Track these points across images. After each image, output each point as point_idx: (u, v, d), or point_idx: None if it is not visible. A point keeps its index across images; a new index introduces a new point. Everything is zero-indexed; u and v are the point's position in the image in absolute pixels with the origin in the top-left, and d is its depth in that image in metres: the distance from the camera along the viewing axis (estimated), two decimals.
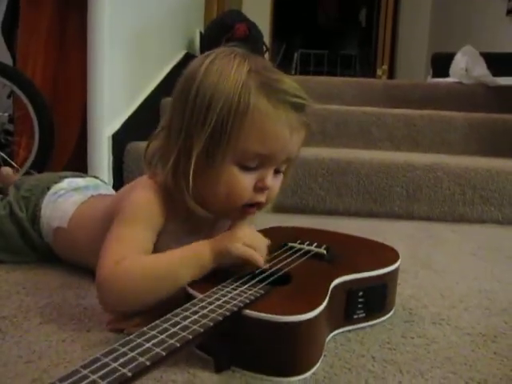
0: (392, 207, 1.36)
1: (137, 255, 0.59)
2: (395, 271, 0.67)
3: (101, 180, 1.00)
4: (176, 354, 0.42)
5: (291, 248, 0.69)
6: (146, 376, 0.48)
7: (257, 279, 0.57)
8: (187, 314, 0.47)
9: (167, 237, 0.66)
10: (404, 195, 1.35)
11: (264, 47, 2.27)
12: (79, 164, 1.42)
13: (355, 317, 0.61)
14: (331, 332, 0.59)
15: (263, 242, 0.61)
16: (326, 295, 0.54)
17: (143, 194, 0.64)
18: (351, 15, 5.54)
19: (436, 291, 0.79)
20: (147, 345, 0.41)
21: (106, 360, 0.38)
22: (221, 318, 0.46)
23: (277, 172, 0.64)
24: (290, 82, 0.62)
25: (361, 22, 5.41)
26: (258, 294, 0.52)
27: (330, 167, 1.38)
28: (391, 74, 3.93)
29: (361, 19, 5.41)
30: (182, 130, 0.61)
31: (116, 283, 0.56)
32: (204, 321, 0.46)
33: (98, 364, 0.37)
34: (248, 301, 0.50)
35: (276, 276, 0.58)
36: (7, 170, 1.22)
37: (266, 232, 0.76)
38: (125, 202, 0.65)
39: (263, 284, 0.55)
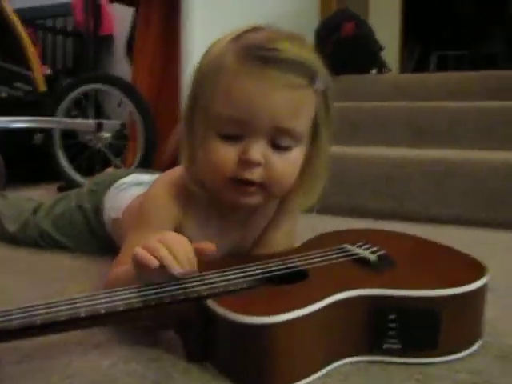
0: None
1: (117, 266, 0.58)
2: (459, 297, 0.49)
3: None
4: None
5: (341, 249, 0.60)
6: (116, 368, 0.46)
7: (257, 271, 0.51)
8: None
9: (191, 232, 0.62)
10: None
11: (377, 45, 2.12)
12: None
13: (386, 346, 0.48)
14: (350, 356, 0.48)
15: (159, 243, 0.48)
16: (317, 303, 0.44)
17: (157, 194, 0.63)
18: (498, 6, 4.91)
19: None
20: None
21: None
22: (168, 300, 0.43)
23: (279, 148, 0.55)
24: (270, 36, 0.54)
25: (510, 13, 4.75)
26: (235, 287, 0.46)
27: (431, 168, 1.21)
28: None
29: (510, 10, 4.75)
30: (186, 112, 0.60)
31: None
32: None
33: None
34: (216, 291, 0.45)
35: (280, 272, 0.51)
36: (110, 170, 1.34)
37: (338, 233, 0.69)
38: (143, 200, 0.65)
39: (256, 278, 0.49)
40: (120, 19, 2.54)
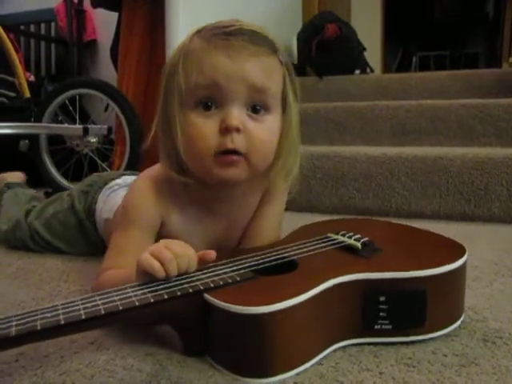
0: (490, 209, 1.16)
1: (111, 269, 0.59)
2: (444, 276, 0.52)
3: None
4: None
5: (325, 238, 0.62)
6: (113, 363, 0.47)
7: (250, 264, 0.52)
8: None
9: (176, 227, 0.64)
10: (504, 194, 1.14)
11: (360, 46, 2.16)
12: None
13: (377, 327, 0.50)
14: (342, 340, 0.50)
15: (171, 253, 0.49)
16: (311, 290, 0.45)
17: (139, 192, 0.64)
18: (476, 7, 5.01)
19: (508, 304, 0.64)
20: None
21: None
22: (166, 297, 0.44)
23: (255, 114, 0.57)
24: (231, 20, 0.59)
25: (488, 13, 4.85)
26: (230, 280, 0.47)
27: (414, 165, 1.24)
28: None
29: (488, 10, 4.86)
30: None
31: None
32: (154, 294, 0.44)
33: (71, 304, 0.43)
34: (212, 285, 0.46)
35: (271, 264, 0.52)
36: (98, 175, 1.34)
37: (319, 224, 0.71)
38: (125, 199, 0.65)
39: (249, 270, 0.50)
40: (104, 24, 2.53)
